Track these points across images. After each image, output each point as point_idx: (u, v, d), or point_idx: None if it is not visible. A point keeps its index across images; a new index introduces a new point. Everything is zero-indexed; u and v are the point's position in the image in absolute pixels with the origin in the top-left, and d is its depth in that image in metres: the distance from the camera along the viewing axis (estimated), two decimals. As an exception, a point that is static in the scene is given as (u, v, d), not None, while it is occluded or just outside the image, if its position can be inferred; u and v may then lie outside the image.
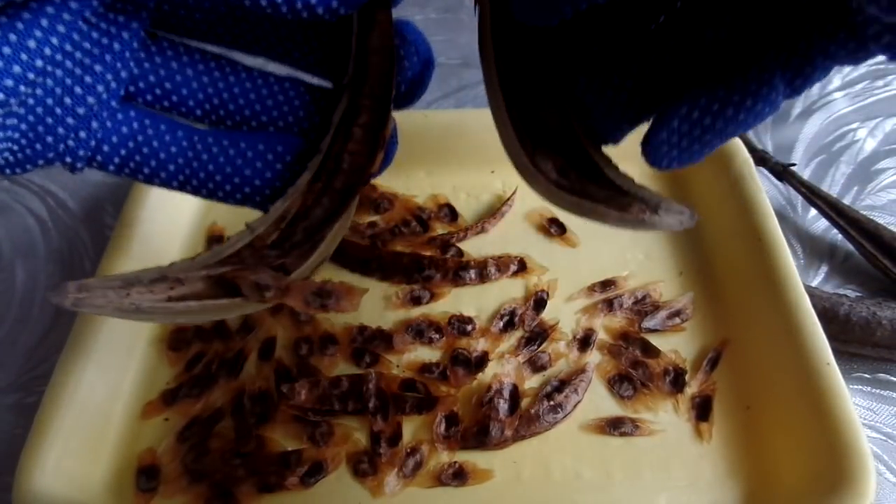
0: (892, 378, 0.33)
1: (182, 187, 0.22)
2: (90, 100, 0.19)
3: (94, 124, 0.19)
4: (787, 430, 0.28)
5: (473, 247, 0.36)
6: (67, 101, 0.18)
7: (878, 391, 0.32)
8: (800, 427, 0.28)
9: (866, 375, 0.33)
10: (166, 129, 0.21)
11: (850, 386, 0.32)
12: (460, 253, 0.36)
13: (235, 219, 0.38)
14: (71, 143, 0.19)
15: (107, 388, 0.30)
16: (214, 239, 0.37)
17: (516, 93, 0.21)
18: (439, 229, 0.37)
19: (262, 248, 0.20)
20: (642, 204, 0.19)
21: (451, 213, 0.38)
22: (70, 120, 0.19)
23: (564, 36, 0.20)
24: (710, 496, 0.28)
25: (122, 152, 0.20)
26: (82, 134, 0.19)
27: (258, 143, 0.21)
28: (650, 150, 0.18)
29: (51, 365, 0.29)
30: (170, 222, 0.36)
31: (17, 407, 0.32)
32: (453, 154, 0.38)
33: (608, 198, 0.19)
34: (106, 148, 0.20)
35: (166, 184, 0.22)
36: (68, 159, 0.19)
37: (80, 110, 0.19)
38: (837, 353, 0.29)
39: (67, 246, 0.39)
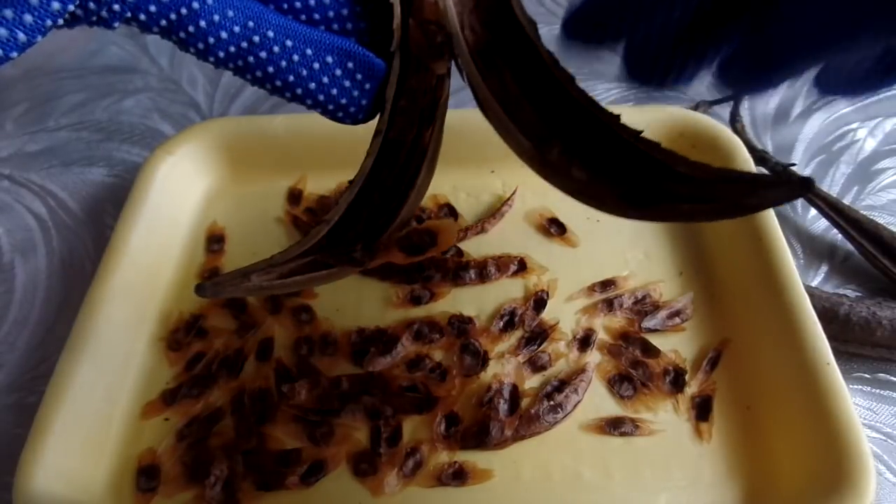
0: (892, 378, 0.33)
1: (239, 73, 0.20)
2: None
3: None
4: (787, 430, 0.28)
5: (473, 247, 0.36)
6: None
7: (878, 391, 0.32)
8: (800, 427, 0.28)
9: (866, 375, 0.33)
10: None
11: (850, 386, 0.32)
12: (460, 253, 0.36)
13: (236, 219, 0.38)
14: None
15: (107, 388, 0.30)
16: (214, 238, 0.37)
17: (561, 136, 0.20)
18: (439, 229, 0.37)
19: (342, 231, 0.22)
20: (737, 185, 0.17)
21: (450, 213, 0.38)
22: None
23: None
24: (710, 496, 0.28)
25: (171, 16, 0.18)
26: None
27: (327, 55, 0.20)
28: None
29: (51, 365, 0.29)
30: (170, 222, 0.36)
31: (17, 407, 0.32)
32: (453, 154, 0.37)
33: (692, 193, 0.18)
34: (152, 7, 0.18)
35: (218, 64, 0.20)
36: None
37: None
38: (837, 352, 0.29)
39: (67, 246, 0.39)
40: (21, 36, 0.16)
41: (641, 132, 0.19)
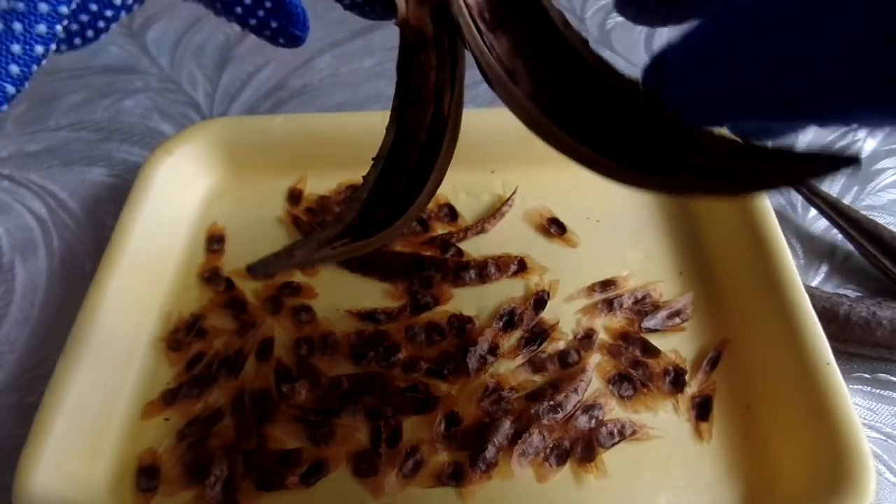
0: (892, 378, 0.33)
1: None
2: None
3: None
4: (787, 430, 0.28)
5: (473, 247, 0.36)
6: None
7: (877, 391, 0.32)
8: (800, 427, 0.28)
9: (866, 375, 0.33)
10: None
11: (850, 386, 0.32)
12: (460, 253, 0.36)
13: (236, 219, 0.38)
14: None
15: (107, 388, 0.30)
16: (214, 238, 0.37)
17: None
18: (439, 229, 0.37)
19: (372, 210, 0.23)
20: (760, 157, 0.15)
21: (450, 213, 0.38)
22: None
23: None
24: (709, 496, 0.28)
25: None
26: None
27: None
28: None
29: (51, 365, 0.29)
30: (170, 222, 0.36)
31: (17, 407, 0.32)
32: (453, 154, 0.38)
33: (715, 166, 0.16)
34: None
35: None
36: None
37: None
38: (837, 352, 0.29)
39: (67, 246, 0.39)
40: (10, 88, 0.17)
41: None
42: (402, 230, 0.23)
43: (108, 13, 0.19)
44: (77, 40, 0.19)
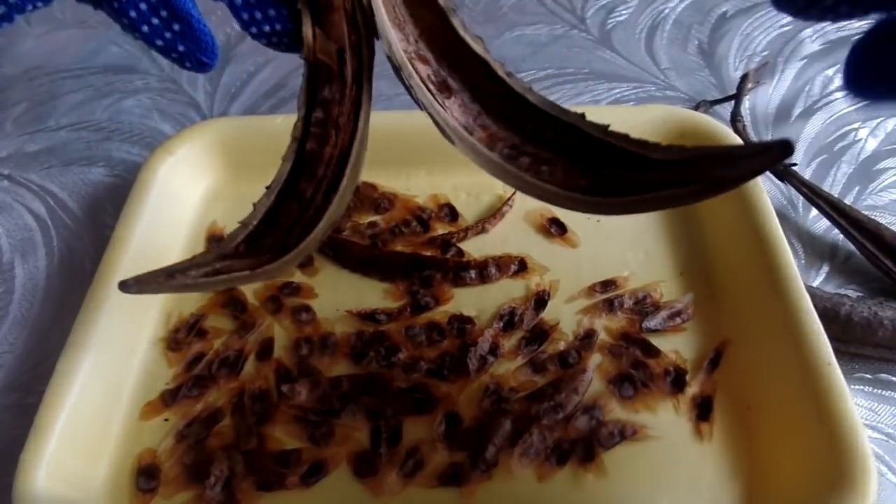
0: (894, 378, 0.32)
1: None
2: None
3: None
4: (788, 431, 0.28)
5: (474, 247, 0.36)
6: None
7: (879, 391, 0.32)
8: (801, 427, 0.28)
9: (867, 376, 0.33)
10: None
11: (852, 386, 0.32)
12: (460, 253, 0.36)
13: (236, 219, 0.38)
14: None
15: (107, 388, 0.30)
16: (215, 238, 0.37)
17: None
18: (439, 229, 0.37)
19: (259, 238, 0.22)
20: (715, 161, 0.16)
21: (451, 213, 0.38)
22: None
23: None
24: (710, 496, 0.28)
25: None
26: None
27: None
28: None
29: (51, 365, 0.29)
30: (170, 222, 0.36)
31: (17, 407, 0.32)
32: (454, 154, 0.37)
33: (671, 178, 0.17)
34: None
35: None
36: None
37: None
38: (838, 353, 0.28)
39: (67, 246, 0.39)
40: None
41: (608, 126, 0.19)
42: (291, 266, 0.22)
43: None
44: None
